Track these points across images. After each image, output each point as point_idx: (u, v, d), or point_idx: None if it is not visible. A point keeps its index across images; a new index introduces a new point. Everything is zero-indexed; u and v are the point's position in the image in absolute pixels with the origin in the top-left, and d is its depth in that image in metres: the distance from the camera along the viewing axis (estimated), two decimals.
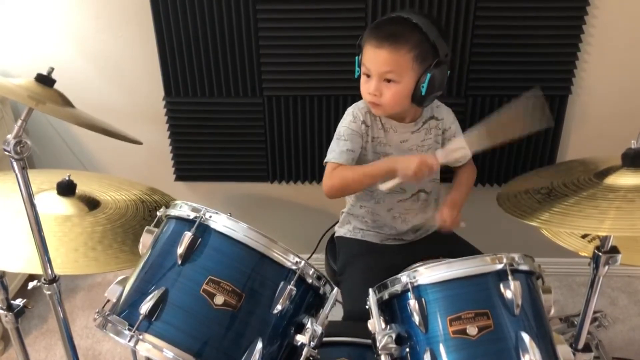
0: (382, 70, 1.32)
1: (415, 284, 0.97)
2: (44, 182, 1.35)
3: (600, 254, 1.18)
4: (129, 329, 0.94)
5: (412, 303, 0.95)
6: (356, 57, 1.38)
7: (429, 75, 1.31)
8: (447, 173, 1.66)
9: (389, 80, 1.33)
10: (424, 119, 1.48)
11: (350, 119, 1.44)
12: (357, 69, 1.39)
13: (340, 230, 1.62)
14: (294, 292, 0.98)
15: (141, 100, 1.95)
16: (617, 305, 2.05)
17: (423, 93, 1.33)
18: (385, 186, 1.34)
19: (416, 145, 1.48)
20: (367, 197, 1.53)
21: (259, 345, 0.94)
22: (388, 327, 0.99)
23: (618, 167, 1.18)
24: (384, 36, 1.31)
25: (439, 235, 1.57)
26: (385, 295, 1.01)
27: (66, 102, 1.15)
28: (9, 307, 1.24)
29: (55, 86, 1.13)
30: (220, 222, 0.99)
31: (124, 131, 1.20)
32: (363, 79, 1.38)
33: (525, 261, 0.99)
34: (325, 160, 1.44)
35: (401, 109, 1.40)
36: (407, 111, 1.44)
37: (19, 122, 1.01)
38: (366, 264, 1.47)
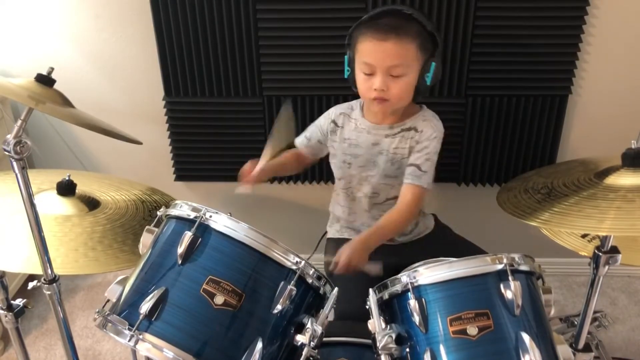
0: (388, 64, 1.27)
1: (416, 284, 0.96)
2: (44, 182, 1.35)
3: (600, 254, 1.18)
4: (129, 329, 0.94)
5: (412, 303, 0.95)
6: (345, 56, 1.35)
7: (433, 64, 1.30)
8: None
9: (394, 75, 1.29)
10: (404, 127, 1.41)
11: (324, 114, 1.52)
12: (347, 68, 1.36)
13: (330, 231, 1.63)
14: (294, 292, 0.98)
15: (141, 100, 1.95)
16: (617, 305, 2.05)
17: (428, 83, 1.32)
18: (238, 190, 1.40)
19: (386, 150, 1.43)
20: (344, 196, 1.53)
21: (259, 345, 0.94)
22: (388, 327, 0.99)
23: (618, 167, 1.18)
24: (387, 28, 1.25)
25: (433, 236, 1.57)
26: (386, 295, 1.01)
27: (66, 102, 1.15)
28: (9, 307, 1.24)
29: (55, 86, 1.13)
30: (221, 222, 0.99)
31: (124, 131, 1.20)
32: (362, 77, 1.32)
33: (526, 261, 0.99)
34: None
35: (406, 102, 1.37)
36: (396, 110, 1.40)
37: (19, 122, 1.01)
38: None
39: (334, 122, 1.48)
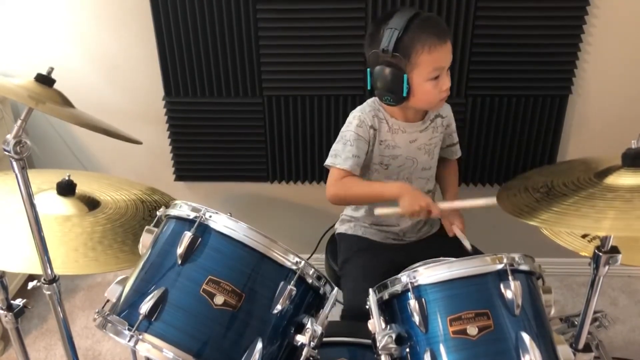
0: (450, 61, 1.35)
1: (416, 284, 0.96)
2: (44, 182, 1.35)
3: (600, 254, 1.17)
4: (128, 329, 0.94)
5: (412, 303, 0.95)
6: (404, 76, 1.31)
7: None
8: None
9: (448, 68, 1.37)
10: (430, 118, 1.49)
11: (357, 124, 1.41)
12: (405, 86, 1.32)
13: (341, 227, 1.62)
14: (294, 292, 0.98)
15: (141, 100, 1.95)
16: (617, 306, 2.05)
17: None
18: (381, 212, 1.39)
19: (424, 144, 1.49)
20: None
21: (259, 345, 0.94)
22: (388, 327, 0.99)
23: (618, 167, 1.18)
24: (442, 30, 1.33)
25: (440, 236, 1.57)
26: (386, 295, 1.01)
27: (66, 102, 1.14)
28: (9, 307, 1.24)
29: (55, 86, 1.13)
30: (220, 222, 0.99)
31: (124, 131, 1.20)
32: (431, 84, 1.33)
33: (526, 261, 0.99)
34: (328, 163, 1.42)
35: None
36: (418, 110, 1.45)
37: (19, 122, 1.01)
38: (366, 260, 1.47)
39: (372, 127, 1.42)
